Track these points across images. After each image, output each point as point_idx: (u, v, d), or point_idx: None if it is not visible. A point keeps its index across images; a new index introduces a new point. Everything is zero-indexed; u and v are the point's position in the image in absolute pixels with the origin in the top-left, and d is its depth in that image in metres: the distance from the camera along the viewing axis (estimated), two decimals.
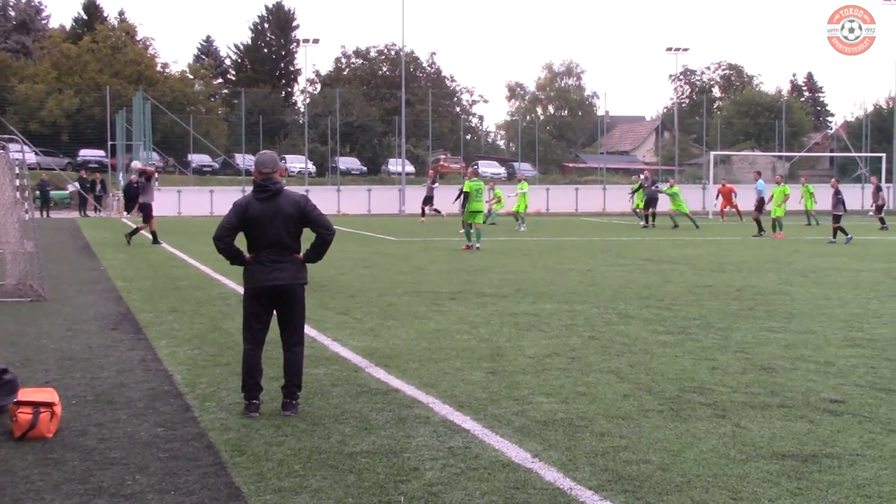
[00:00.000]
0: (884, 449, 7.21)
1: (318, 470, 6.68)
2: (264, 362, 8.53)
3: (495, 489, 6.29)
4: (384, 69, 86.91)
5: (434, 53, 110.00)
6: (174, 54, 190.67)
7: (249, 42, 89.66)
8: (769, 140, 76.77)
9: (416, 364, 10.28)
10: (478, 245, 26.65)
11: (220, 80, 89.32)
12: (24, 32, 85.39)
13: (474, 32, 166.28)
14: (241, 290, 9.10)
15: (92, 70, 71.73)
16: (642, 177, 43.41)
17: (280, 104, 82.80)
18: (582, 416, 8.10)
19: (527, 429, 7.72)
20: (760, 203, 36.41)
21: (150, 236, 28.53)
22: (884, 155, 59.83)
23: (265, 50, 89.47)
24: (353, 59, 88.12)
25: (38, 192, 51.81)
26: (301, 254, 8.35)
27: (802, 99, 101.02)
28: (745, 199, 45.11)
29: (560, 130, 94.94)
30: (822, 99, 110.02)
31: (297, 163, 66.30)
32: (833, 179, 34.12)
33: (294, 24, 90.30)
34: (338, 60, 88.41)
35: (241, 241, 8.33)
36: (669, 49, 71.54)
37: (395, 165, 65.30)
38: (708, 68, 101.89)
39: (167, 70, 78.40)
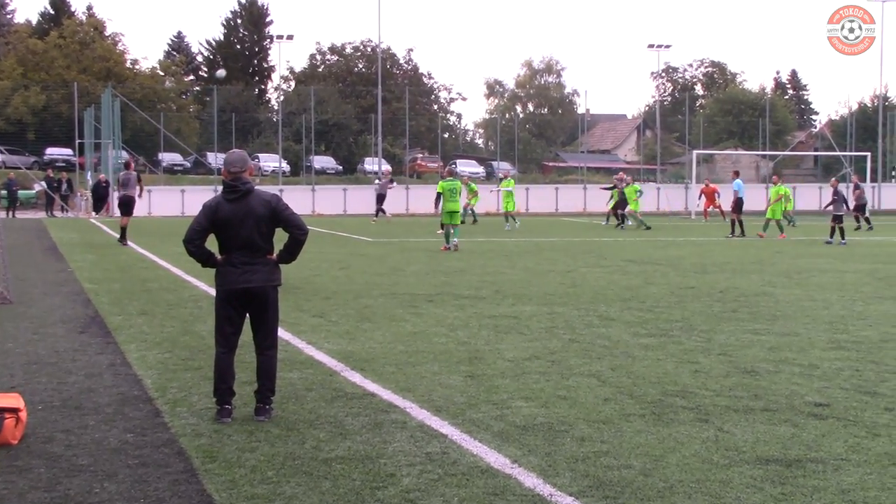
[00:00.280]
0: (869, 453, 7.25)
1: (292, 476, 6.66)
2: (237, 366, 8.49)
3: (473, 496, 6.28)
4: (360, 66, 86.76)
5: (411, 50, 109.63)
6: (144, 50, 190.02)
7: (222, 38, 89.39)
8: (753, 139, 77.15)
9: (393, 368, 10.27)
10: (455, 242, 26.64)
11: (191, 77, 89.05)
12: None
13: (452, 28, 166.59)
14: (213, 292, 9.07)
15: (59, 66, 71.32)
16: (617, 178, 43.65)
17: (253, 102, 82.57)
18: (562, 421, 8.11)
19: (506, 434, 7.72)
20: (738, 203, 36.42)
21: (119, 234, 28.38)
22: (869, 154, 60.20)
23: (238, 46, 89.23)
24: (328, 56, 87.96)
25: (4, 192, 51.57)
26: (274, 255, 8.34)
27: (786, 97, 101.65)
28: (727, 200, 45.26)
29: (540, 129, 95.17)
30: (806, 97, 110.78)
31: (271, 162, 66.17)
32: (833, 179, 34.11)
33: (268, 19, 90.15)
34: (312, 57, 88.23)
35: (212, 243, 8.31)
36: (651, 46, 71.88)
37: (371, 164, 65.29)
38: (690, 65, 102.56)
39: (137, 66, 78.04)
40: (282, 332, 10.56)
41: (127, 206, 28.55)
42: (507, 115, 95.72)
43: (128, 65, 77.00)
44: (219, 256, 8.29)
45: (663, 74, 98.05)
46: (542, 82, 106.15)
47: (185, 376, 9.84)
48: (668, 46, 72.98)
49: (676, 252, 26.77)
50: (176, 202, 53.55)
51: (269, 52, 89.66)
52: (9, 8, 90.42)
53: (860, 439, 7.61)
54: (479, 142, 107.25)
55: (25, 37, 74.85)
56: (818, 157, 76.13)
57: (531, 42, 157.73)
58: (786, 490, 6.40)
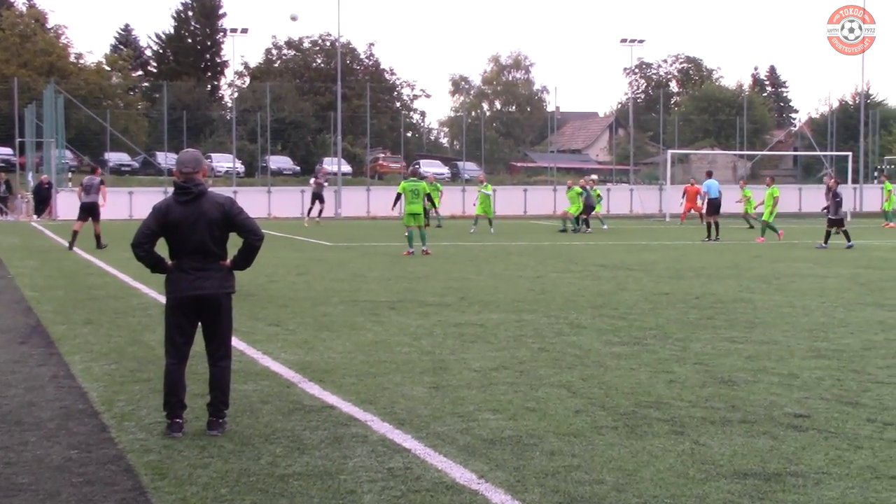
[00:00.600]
0: (851, 466, 7.31)
1: (247, 494, 6.64)
2: (188, 378, 8.46)
3: None
4: (318, 61, 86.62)
5: (372, 45, 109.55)
6: (89, 44, 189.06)
7: (172, 31, 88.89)
8: (730, 138, 77.69)
9: (353, 379, 10.26)
10: (424, 248, 26.65)
11: (139, 73, 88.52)
12: None
13: (416, 22, 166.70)
14: (162, 299, 9.03)
15: None
16: (583, 180, 43.82)
17: (206, 99, 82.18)
18: (531, 434, 8.13)
19: (472, 448, 7.73)
20: (712, 205, 36.55)
21: (70, 238, 28.21)
22: (850, 154, 60.77)
23: (189, 40, 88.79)
24: (284, 51, 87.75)
25: None
26: (228, 260, 8.31)
27: (765, 94, 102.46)
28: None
29: (507, 127, 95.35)
30: (785, 94, 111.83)
31: (224, 162, 65.87)
32: (833, 180, 34.11)
33: (220, 11, 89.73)
34: (268, 52, 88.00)
35: (162, 247, 8.27)
36: (624, 41, 72.26)
37: (330, 165, 65.19)
38: (665, 61, 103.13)
39: (81, 61, 77.64)
40: (236, 342, 10.53)
41: (88, 212, 28.38)
42: (473, 113, 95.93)
43: (72, 59, 76.58)
44: (169, 262, 8.26)
45: (636, 70, 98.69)
46: (510, 78, 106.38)
47: (133, 389, 9.79)
48: (641, 41, 73.32)
49: (650, 256, 26.90)
50: (123, 204, 53.03)
51: (223, 46, 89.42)
52: None
53: (842, 452, 7.67)
54: (444, 141, 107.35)
55: None
56: (798, 156, 76.82)
57: (498, 36, 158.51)
58: None
